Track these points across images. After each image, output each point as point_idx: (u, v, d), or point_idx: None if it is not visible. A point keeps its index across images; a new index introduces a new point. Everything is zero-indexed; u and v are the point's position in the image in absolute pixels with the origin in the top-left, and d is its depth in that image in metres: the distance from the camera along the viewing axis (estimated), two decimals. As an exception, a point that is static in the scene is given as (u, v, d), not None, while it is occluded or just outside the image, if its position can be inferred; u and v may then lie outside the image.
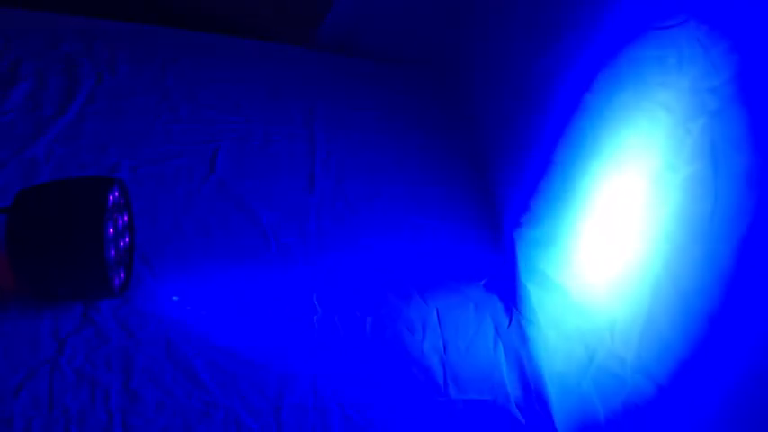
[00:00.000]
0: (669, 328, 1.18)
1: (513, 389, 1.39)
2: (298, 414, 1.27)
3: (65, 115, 1.68)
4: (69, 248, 1.24)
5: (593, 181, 1.37)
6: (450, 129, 1.92)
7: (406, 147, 1.84)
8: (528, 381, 1.41)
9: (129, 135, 1.69)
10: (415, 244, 1.60)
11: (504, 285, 1.55)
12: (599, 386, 1.29)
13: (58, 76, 1.77)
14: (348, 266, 1.52)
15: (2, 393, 1.20)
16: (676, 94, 1.19)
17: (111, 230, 1.30)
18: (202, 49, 1.97)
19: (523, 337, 1.47)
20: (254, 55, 2.01)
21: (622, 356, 1.25)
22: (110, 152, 1.63)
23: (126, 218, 1.39)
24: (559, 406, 1.36)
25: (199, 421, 1.23)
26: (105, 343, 1.30)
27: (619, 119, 1.32)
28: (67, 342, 1.28)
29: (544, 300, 1.46)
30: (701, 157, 1.13)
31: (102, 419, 1.20)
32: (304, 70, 2.00)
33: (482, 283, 1.55)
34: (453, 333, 1.45)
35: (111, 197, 1.29)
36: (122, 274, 1.37)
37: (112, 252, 1.30)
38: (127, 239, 1.40)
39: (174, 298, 1.39)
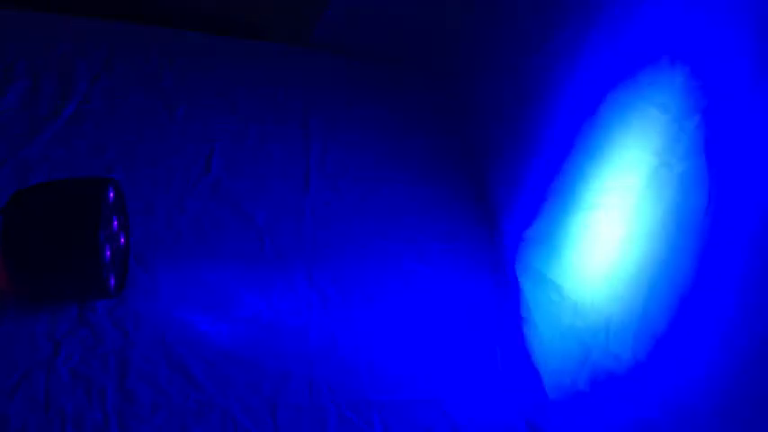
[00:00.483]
0: (665, 326, 1.18)
1: (509, 387, 1.39)
2: (294, 414, 1.28)
3: (60, 116, 1.68)
4: (65, 249, 1.24)
5: (587, 179, 1.38)
6: (445, 128, 1.92)
7: (401, 146, 1.84)
8: (525, 379, 1.41)
9: (125, 135, 1.69)
10: (410, 244, 1.60)
11: (499, 284, 1.55)
12: (594, 384, 1.29)
13: (53, 77, 1.77)
14: (344, 266, 1.52)
15: (-2, 394, 1.20)
16: (670, 93, 1.19)
17: (107, 231, 1.30)
18: (198, 48, 1.97)
19: (519, 336, 1.47)
20: (250, 55, 2.01)
21: (618, 354, 1.25)
22: (105, 153, 1.63)
23: (121, 218, 1.39)
24: (555, 404, 1.37)
25: (195, 421, 1.23)
26: (101, 343, 1.30)
27: (613, 117, 1.32)
28: (63, 343, 1.28)
29: (540, 298, 1.46)
30: (695, 154, 1.14)
31: (98, 420, 1.20)
32: (299, 70, 2.00)
33: (477, 281, 1.55)
34: (449, 332, 1.45)
35: (106, 197, 1.29)
36: (118, 275, 1.37)
37: (108, 253, 1.30)
38: (122, 240, 1.40)
39: (170, 298, 1.39)
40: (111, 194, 1.33)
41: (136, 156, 1.64)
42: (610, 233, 1.32)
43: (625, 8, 1.32)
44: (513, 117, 1.68)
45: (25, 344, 1.27)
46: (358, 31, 2.06)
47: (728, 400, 1.05)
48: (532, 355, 1.44)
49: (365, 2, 2.02)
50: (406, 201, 1.69)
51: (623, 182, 1.28)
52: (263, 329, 1.38)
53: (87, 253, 1.24)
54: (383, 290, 1.50)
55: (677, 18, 1.20)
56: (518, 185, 1.59)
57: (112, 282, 1.33)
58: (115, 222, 1.35)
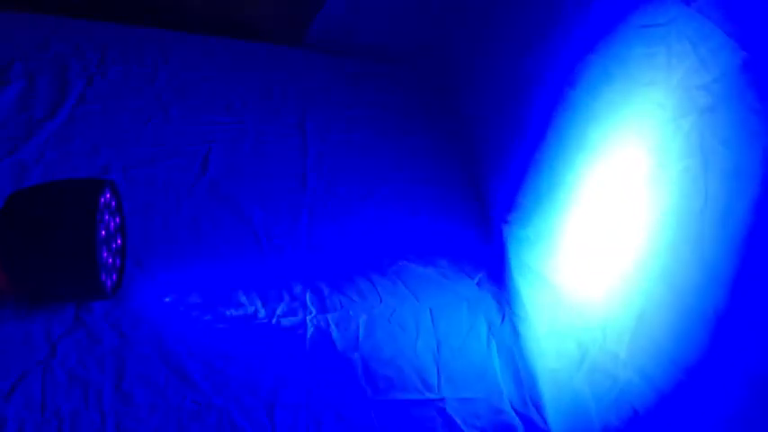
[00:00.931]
0: (661, 325, 1.18)
1: (506, 386, 1.39)
2: (291, 414, 1.27)
3: (56, 117, 1.68)
4: (61, 250, 1.24)
5: (583, 178, 1.38)
6: (440, 127, 1.93)
7: (397, 146, 1.84)
8: (521, 378, 1.41)
9: (121, 136, 1.69)
10: (407, 243, 1.60)
11: (497, 284, 1.55)
12: (591, 383, 1.29)
13: (48, 78, 1.77)
14: (340, 266, 1.52)
15: (-6, 395, 1.20)
16: (666, 92, 1.19)
17: (103, 232, 1.30)
18: (193, 49, 1.97)
19: (516, 335, 1.47)
20: (246, 55, 2.01)
21: (615, 353, 1.26)
22: (101, 154, 1.63)
23: (118, 219, 1.39)
24: (552, 403, 1.37)
25: (192, 422, 1.23)
26: (98, 344, 1.30)
27: (608, 117, 1.32)
28: (60, 344, 1.28)
29: (536, 297, 1.47)
30: (691, 153, 1.14)
31: (95, 420, 1.20)
32: (295, 70, 2.00)
33: (474, 281, 1.55)
34: (446, 332, 1.45)
35: (102, 199, 1.29)
36: (114, 276, 1.37)
37: (104, 253, 1.30)
38: (119, 241, 1.39)
39: (167, 299, 1.39)
40: (108, 195, 1.33)
41: (132, 157, 1.64)
42: (606, 233, 1.32)
43: (621, 7, 1.32)
44: (508, 116, 1.68)
45: (22, 345, 1.27)
46: (353, 32, 2.06)
47: (725, 399, 1.06)
48: (530, 354, 1.44)
49: (360, 2, 2.02)
50: (402, 200, 1.69)
51: (620, 181, 1.29)
52: (260, 330, 1.38)
53: (84, 254, 1.24)
54: (380, 290, 1.50)
55: (673, 17, 1.20)
56: (514, 185, 1.59)
57: (109, 283, 1.33)
58: (112, 223, 1.35)
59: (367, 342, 1.40)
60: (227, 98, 1.85)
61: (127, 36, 1.94)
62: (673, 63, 1.19)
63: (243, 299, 1.42)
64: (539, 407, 1.37)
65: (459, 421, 1.32)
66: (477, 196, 1.75)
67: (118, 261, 1.39)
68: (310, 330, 1.40)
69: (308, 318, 1.42)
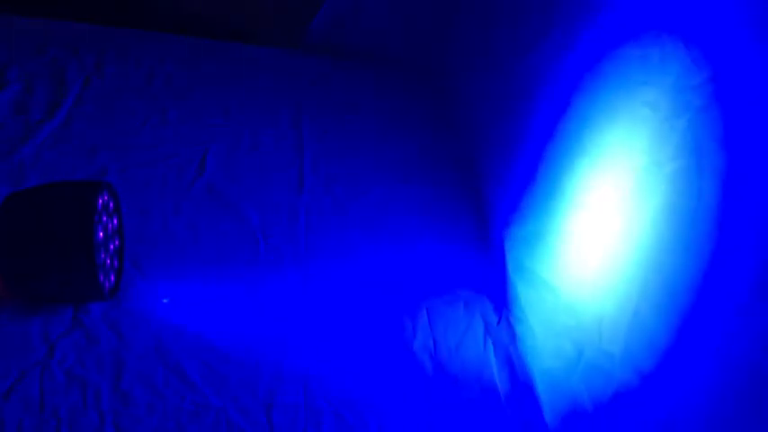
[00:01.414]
0: (656, 323, 1.19)
1: (502, 386, 1.40)
2: (289, 413, 1.28)
3: (53, 119, 1.68)
4: (59, 252, 1.25)
5: (579, 179, 1.38)
6: (438, 128, 1.93)
7: (394, 147, 1.85)
8: (517, 377, 1.41)
9: (118, 138, 1.69)
10: (404, 244, 1.61)
11: (493, 284, 1.56)
12: (588, 382, 1.30)
13: (45, 81, 1.77)
14: (338, 267, 1.53)
15: (-7, 396, 1.20)
16: (660, 92, 1.20)
17: (101, 234, 1.30)
18: (190, 52, 1.97)
19: (513, 335, 1.48)
20: (242, 57, 2.01)
21: (610, 352, 1.26)
22: (98, 156, 1.63)
23: (115, 221, 1.39)
24: (549, 402, 1.37)
25: (190, 422, 1.23)
26: (96, 345, 1.30)
27: (603, 117, 1.33)
28: (58, 344, 1.29)
29: (533, 297, 1.47)
30: (685, 153, 1.15)
31: (94, 421, 1.20)
32: (292, 72, 2.00)
33: (471, 282, 1.56)
34: (443, 332, 1.45)
35: (100, 200, 1.29)
36: (112, 277, 1.37)
37: (102, 255, 1.30)
38: (117, 242, 1.40)
39: (165, 300, 1.39)
40: (106, 197, 1.33)
41: (129, 158, 1.64)
42: (602, 232, 1.33)
43: (615, 8, 1.33)
44: (505, 117, 1.68)
45: (20, 345, 1.27)
46: (349, 34, 2.06)
47: (721, 396, 1.06)
48: (526, 354, 1.44)
49: (357, 4, 2.03)
50: (399, 201, 1.70)
51: (614, 181, 1.29)
52: (258, 330, 1.38)
53: (82, 255, 1.24)
54: (377, 290, 1.50)
55: (668, 18, 1.21)
56: (511, 186, 1.60)
57: (107, 284, 1.33)
58: (109, 225, 1.35)
59: (364, 342, 1.41)
60: (224, 100, 1.85)
61: (124, 38, 1.94)
62: (666, 64, 1.20)
63: (240, 299, 1.42)
64: (535, 405, 1.38)
65: (456, 422, 1.32)
66: (474, 197, 1.75)
67: (116, 262, 1.39)
68: (308, 330, 1.40)
69: (305, 317, 1.42)
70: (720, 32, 1.11)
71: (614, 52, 1.32)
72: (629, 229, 1.26)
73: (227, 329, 1.37)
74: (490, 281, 1.56)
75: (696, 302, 1.12)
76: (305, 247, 1.56)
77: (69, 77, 1.80)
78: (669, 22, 1.20)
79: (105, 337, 1.31)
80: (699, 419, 1.09)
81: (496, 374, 1.41)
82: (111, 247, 1.36)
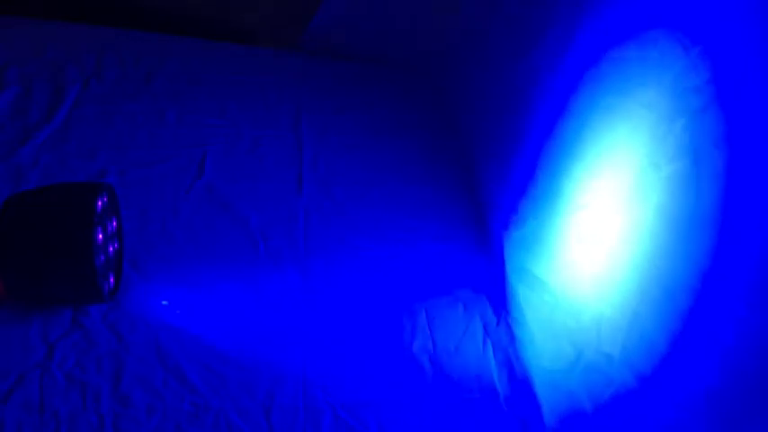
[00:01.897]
0: (655, 325, 1.19)
1: (502, 387, 1.40)
2: (288, 415, 1.28)
3: (52, 121, 1.68)
4: (59, 254, 1.25)
5: (577, 180, 1.39)
6: (436, 130, 1.93)
7: (393, 148, 1.85)
8: (517, 379, 1.42)
9: (117, 140, 1.69)
10: (403, 245, 1.61)
11: (492, 285, 1.56)
12: (586, 383, 1.30)
13: (44, 82, 1.77)
14: (337, 268, 1.53)
15: (-8, 398, 1.20)
16: (658, 94, 1.20)
17: (101, 236, 1.30)
18: (188, 53, 1.97)
19: (512, 337, 1.48)
20: (240, 59, 2.01)
21: (609, 354, 1.26)
22: (97, 157, 1.63)
23: (115, 223, 1.39)
24: (548, 403, 1.37)
25: (189, 423, 1.23)
26: (95, 347, 1.30)
27: (601, 119, 1.33)
28: (57, 346, 1.29)
29: (532, 299, 1.47)
30: (682, 155, 1.15)
31: (93, 423, 1.20)
32: (290, 73, 2.00)
33: (470, 283, 1.56)
34: (442, 333, 1.46)
35: (99, 202, 1.29)
36: (112, 279, 1.37)
37: (102, 257, 1.30)
38: (116, 244, 1.40)
39: (164, 302, 1.39)
40: (105, 199, 1.33)
41: (128, 160, 1.64)
42: (600, 234, 1.33)
43: (613, 10, 1.33)
44: (504, 118, 1.69)
45: (19, 347, 1.27)
46: (348, 34, 2.06)
47: (720, 398, 1.06)
48: (525, 355, 1.45)
49: (355, 5, 2.03)
50: (398, 202, 1.70)
51: (613, 183, 1.30)
52: (257, 331, 1.38)
53: (81, 257, 1.24)
54: (376, 291, 1.50)
55: (666, 19, 1.21)
56: (509, 186, 1.60)
57: (106, 286, 1.33)
58: (109, 227, 1.35)
59: (363, 343, 1.41)
60: (222, 102, 1.85)
61: (122, 40, 1.94)
62: (665, 66, 1.20)
63: (240, 301, 1.42)
64: (534, 407, 1.38)
65: (455, 422, 1.33)
66: (473, 198, 1.76)
67: (115, 264, 1.39)
68: (307, 331, 1.40)
69: (304, 319, 1.42)
70: (719, 34, 1.11)
71: (612, 54, 1.32)
72: (628, 230, 1.26)
73: (227, 331, 1.37)
74: (489, 282, 1.56)
75: (694, 304, 1.12)
76: (304, 248, 1.56)
77: (68, 79, 1.80)
78: (667, 23, 1.20)
79: (105, 338, 1.31)
80: (697, 421, 1.09)
81: (495, 376, 1.42)
82: (111, 248, 1.36)
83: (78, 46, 1.88)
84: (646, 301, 1.21)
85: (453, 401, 1.36)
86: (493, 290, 1.56)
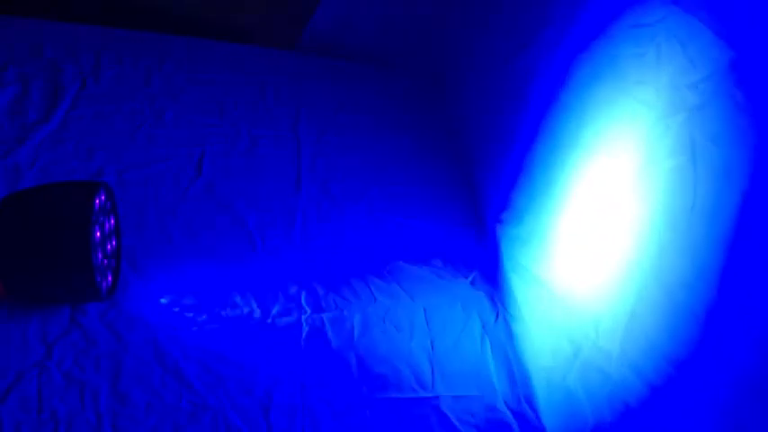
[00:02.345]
0: (653, 322, 1.19)
1: (500, 384, 1.40)
2: (287, 414, 1.28)
3: (49, 121, 1.68)
4: (56, 253, 1.24)
5: (575, 177, 1.39)
6: (433, 128, 1.94)
7: (390, 147, 1.85)
8: (515, 376, 1.42)
9: (115, 140, 1.68)
10: (401, 243, 1.61)
11: (490, 283, 1.56)
12: (585, 381, 1.30)
13: (42, 82, 1.76)
14: (335, 266, 1.53)
15: (-10, 397, 1.20)
16: (655, 91, 1.20)
17: (98, 234, 1.30)
18: (186, 52, 1.97)
19: (510, 334, 1.48)
20: (239, 58, 2.01)
21: (607, 351, 1.26)
22: (95, 157, 1.63)
23: (112, 221, 1.39)
24: (546, 401, 1.37)
25: (188, 422, 1.23)
26: (93, 346, 1.30)
27: (599, 116, 1.33)
28: (56, 345, 1.28)
29: (529, 296, 1.47)
30: (680, 152, 1.15)
31: (92, 422, 1.20)
32: (288, 73, 2.00)
33: (468, 280, 1.56)
34: (441, 331, 1.46)
35: (97, 201, 1.29)
36: (109, 278, 1.37)
37: (99, 256, 1.30)
38: (114, 243, 1.40)
39: (163, 300, 1.39)
40: (103, 198, 1.33)
41: (126, 160, 1.64)
42: (597, 231, 1.33)
43: (611, 6, 1.33)
44: (501, 117, 1.69)
45: (18, 347, 1.27)
46: (346, 34, 2.06)
47: (716, 393, 1.06)
48: (523, 352, 1.45)
49: (353, 5, 2.03)
50: (396, 201, 1.70)
51: (610, 179, 1.30)
52: (256, 330, 1.38)
53: (79, 256, 1.24)
54: (374, 290, 1.50)
55: (664, 16, 1.21)
56: (507, 184, 1.60)
57: (104, 285, 1.33)
58: (107, 225, 1.35)
59: (362, 341, 1.41)
60: (220, 101, 1.85)
61: (121, 39, 1.94)
62: (662, 62, 1.20)
63: (238, 299, 1.42)
64: (532, 404, 1.38)
65: (453, 419, 1.33)
66: (470, 196, 1.76)
67: (113, 263, 1.39)
68: (305, 330, 1.40)
69: (303, 317, 1.42)
70: (716, 31, 1.11)
71: (610, 50, 1.32)
72: (626, 227, 1.26)
73: (225, 330, 1.37)
74: (487, 279, 1.56)
75: (692, 301, 1.12)
76: (302, 247, 1.56)
77: (66, 79, 1.79)
78: (665, 20, 1.20)
79: (103, 338, 1.31)
80: (696, 418, 1.09)
81: (494, 373, 1.42)
82: (109, 247, 1.36)
83: (76, 46, 1.88)
84: (644, 297, 1.21)
85: (451, 398, 1.36)
86: (491, 287, 1.56)
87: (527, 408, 1.37)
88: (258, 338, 1.37)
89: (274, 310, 1.42)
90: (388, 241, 1.61)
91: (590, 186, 1.35)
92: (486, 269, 1.59)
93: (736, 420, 1.04)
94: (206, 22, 2.07)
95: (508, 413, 1.36)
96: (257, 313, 1.41)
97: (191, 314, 1.38)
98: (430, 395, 1.35)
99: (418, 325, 1.45)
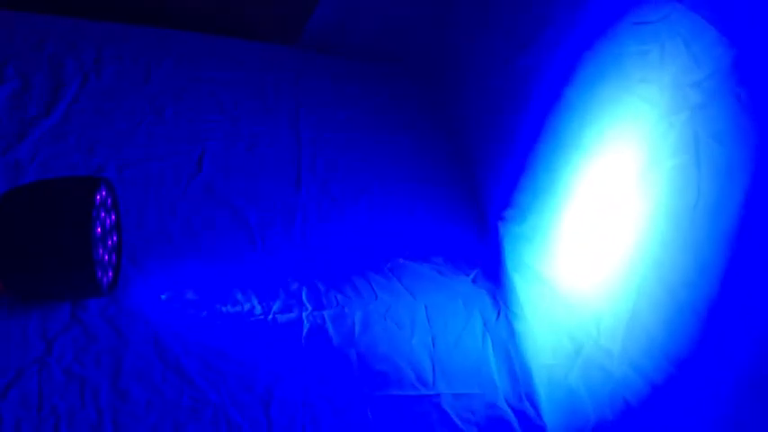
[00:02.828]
0: (655, 320, 1.19)
1: (501, 382, 1.40)
2: (287, 410, 1.28)
3: (50, 116, 1.67)
4: (57, 248, 1.24)
5: (577, 175, 1.39)
6: (435, 126, 1.93)
7: (391, 145, 1.85)
8: (516, 374, 1.42)
9: (115, 136, 1.68)
10: (402, 241, 1.61)
11: (492, 280, 1.56)
12: (586, 378, 1.30)
13: (42, 77, 1.76)
14: (335, 264, 1.53)
15: (-10, 393, 1.20)
16: (659, 89, 1.20)
17: (99, 230, 1.29)
18: (188, 48, 1.96)
19: (511, 331, 1.48)
20: (240, 55, 2.00)
21: (609, 349, 1.26)
22: (96, 153, 1.62)
23: (113, 217, 1.39)
24: (547, 398, 1.37)
25: (188, 419, 1.23)
26: (94, 342, 1.30)
27: (602, 114, 1.33)
28: (56, 342, 1.28)
29: (531, 294, 1.47)
30: (683, 150, 1.15)
31: (92, 418, 1.20)
32: (289, 70, 2.00)
33: (470, 278, 1.56)
34: (442, 328, 1.46)
35: (98, 197, 1.28)
36: (110, 274, 1.36)
37: (100, 251, 1.30)
38: (114, 239, 1.39)
39: (163, 297, 1.39)
40: (104, 193, 1.32)
41: (126, 156, 1.63)
42: (600, 229, 1.33)
43: (614, 4, 1.33)
44: (502, 115, 1.68)
45: (18, 343, 1.27)
46: (347, 31, 2.06)
47: (717, 391, 1.06)
48: (525, 350, 1.45)
49: (354, 2, 2.02)
50: (396, 199, 1.70)
51: (613, 178, 1.29)
52: (256, 327, 1.38)
53: (80, 252, 1.24)
54: (375, 287, 1.50)
55: (668, 14, 1.21)
56: (508, 183, 1.60)
57: (105, 280, 1.33)
58: (107, 221, 1.35)
59: (363, 338, 1.41)
60: (221, 97, 1.84)
61: (122, 35, 1.93)
62: (666, 61, 1.20)
63: (239, 296, 1.42)
64: (533, 402, 1.38)
65: (454, 416, 1.32)
66: (472, 194, 1.76)
67: (114, 258, 1.39)
68: (306, 327, 1.40)
69: (303, 314, 1.42)
70: (720, 29, 1.11)
71: (613, 48, 1.32)
72: (628, 225, 1.26)
73: (226, 327, 1.37)
74: (489, 277, 1.56)
75: (694, 299, 1.12)
76: (302, 244, 1.56)
77: (67, 74, 1.79)
78: (669, 17, 1.20)
79: (103, 333, 1.31)
80: (697, 415, 1.09)
81: (495, 370, 1.41)
82: (109, 243, 1.36)
83: (78, 41, 1.87)
84: (646, 295, 1.21)
85: (453, 396, 1.35)
86: (493, 285, 1.56)
87: (528, 405, 1.37)
88: (259, 335, 1.37)
89: (275, 307, 1.42)
90: (388, 238, 1.61)
91: (592, 184, 1.35)
92: (487, 267, 1.59)
93: (737, 418, 1.04)
94: (208, 18, 2.07)
95: (509, 411, 1.36)
96: (258, 310, 1.41)
97: (191, 310, 1.38)
98: (431, 393, 1.35)
99: (419, 322, 1.45)
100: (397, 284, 1.51)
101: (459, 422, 1.32)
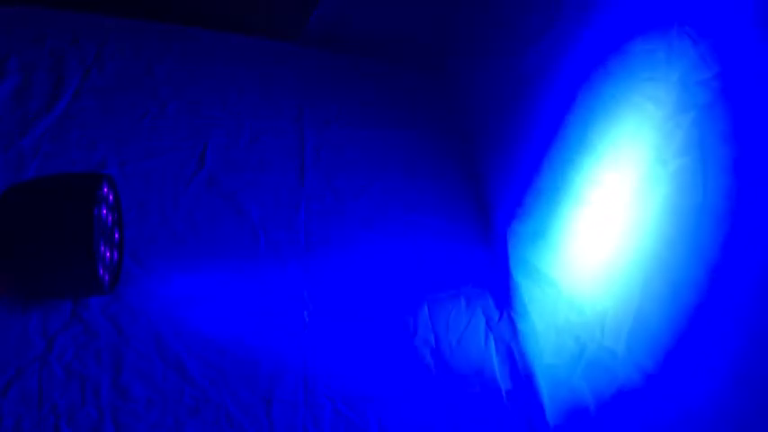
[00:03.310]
0: (659, 321, 1.19)
1: (504, 381, 1.39)
2: (288, 409, 1.28)
3: (52, 111, 1.67)
4: (59, 245, 1.23)
5: (583, 175, 1.38)
6: (440, 124, 1.93)
7: (395, 142, 1.84)
8: (519, 373, 1.41)
9: (117, 131, 1.67)
10: (405, 239, 1.60)
11: (495, 279, 1.56)
12: (589, 378, 1.30)
13: (44, 72, 1.75)
14: (338, 261, 1.52)
15: (-9, 391, 1.20)
16: (666, 88, 1.20)
17: (101, 227, 1.29)
18: (190, 44, 1.96)
19: (514, 331, 1.48)
20: (243, 50, 2.00)
21: (613, 349, 1.26)
22: (98, 148, 1.62)
23: (115, 214, 1.38)
24: (550, 398, 1.37)
25: (189, 417, 1.23)
26: (95, 340, 1.29)
27: (608, 113, 1.32)
28: (57, 339, 1.28)
29: (535, 293, 1.47)
30: (690, 150, 1.14)
31: (93, 416, 1.20)
32: (293, 66, 1.99)
33: (473, 277, 1.56)
34: (444, 327, 1.45)
35: (99, 193, 1.28)
36: (112, 271, 1.36)
37: (102, 248, 1.29)
38: (116, 235, 1.39)
39: (165, 294, 1.38)
40: (105, 189, 1.32)
41: (128, 151, 1.63)
42: (605, 229, 1.33)
43: (621, 3, 1.32)
44: (508, 113, 1.68)
45: (18, 340, 1.26)
46: (351, 27, 2.05)
47: (721, 392, 1.06)
48: (528, 350, 1.44)
49: (357, -1, 2.02)
50: (400, 196, 1.69)
51: (619, 177, 1.29)
52: (258, 325, 1.38)
53: (81, 248, 1.23)
54: (378, 285, 1.50)
55: (675, 13, 1.20)
56: (513, 181, 1.59)
57: (107, 277, 1.32)
58: (109, 218, 1.34)
59: (365, 338, 1.41)
60: (224, 93, 1.84)
61: (124, 29, 1.92)
62: (673, 60, 1.19)
63: (240, 293, 1.42)
64: (537, 402, 1.38)
65: (456, 417, 1.32)
66: (476, 192, 1.75)
67: (115, 256, 1.38)
68: (308, 325, 1.40)
69: (305, 313, 1.42)
70: (728, 29, 1.10)
71: (620, 47, 1.31)
72: (633, 225, 1.26)
73: (227, 324, 1.36)
74: (492, 276, 1.56)
75: (699, 299, 1.12)
76: (305, 241, 1.55)
77: (69, 69, 1.78)
78: (676, 17, 1.19)
79: (104, 331, 1.31)
80: (702, 416, 1.09)
81: (498, 370, 1.41)
82: (111, 240, 1.35)
83: (79, 36, 1.87)
84: (650, 296, 1.21)
85: (455, 395, 1.35)
86: (496, 284, 1.55)
87: (531, 406, 1.36)
88: (261, 333, 1.37)
89: (277, 305, 1.42)
90: (391, 236, 1.60)
91: (598, 184, 1.34)
92: (491, 266, 1.58)
93: (738, 418, 1.04)
94: (211, 13, 2.06)
95: (512, 410, 1.35)
96: (260, 307, 1.40)
97: (193, 308, 1.37)
98: (433, 393, 1.35)
99: (422, 321, 1.45)
100: (399, 283, 1.51)
101: (462, 423, 1.32)
